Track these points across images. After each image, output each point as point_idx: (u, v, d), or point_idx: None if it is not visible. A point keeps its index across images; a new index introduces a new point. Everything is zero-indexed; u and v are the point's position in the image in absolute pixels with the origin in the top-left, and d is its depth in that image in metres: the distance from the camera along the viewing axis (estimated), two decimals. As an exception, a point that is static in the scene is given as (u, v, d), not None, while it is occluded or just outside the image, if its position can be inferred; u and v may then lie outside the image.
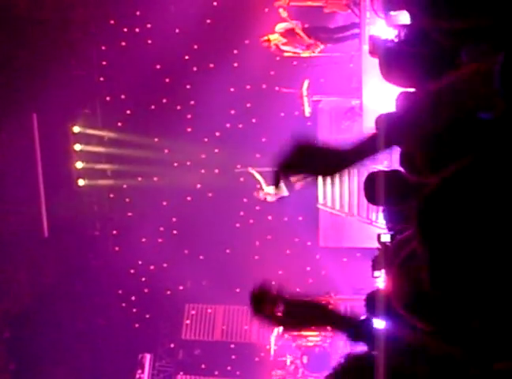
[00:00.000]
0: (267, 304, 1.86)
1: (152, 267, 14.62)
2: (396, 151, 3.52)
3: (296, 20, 11.42)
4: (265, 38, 11.45)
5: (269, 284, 1.90)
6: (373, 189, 3.73)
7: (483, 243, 1.36)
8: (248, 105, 14.19)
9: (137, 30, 14.40)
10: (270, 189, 12.20)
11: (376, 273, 6.82)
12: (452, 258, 1.39)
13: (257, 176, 12.50)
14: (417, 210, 1.46)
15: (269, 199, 12.42)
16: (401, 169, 3.81)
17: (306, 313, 1.90)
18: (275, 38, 11.41)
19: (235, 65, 13.99)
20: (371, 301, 4.06)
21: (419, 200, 1.45)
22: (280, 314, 1.87)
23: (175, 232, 14.69)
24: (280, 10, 11.30)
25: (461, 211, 1.37)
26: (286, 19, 11.24)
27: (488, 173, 1.38)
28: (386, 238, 5.90)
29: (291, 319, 1.87)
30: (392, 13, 6.78)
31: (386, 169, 4.04)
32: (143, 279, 14.76)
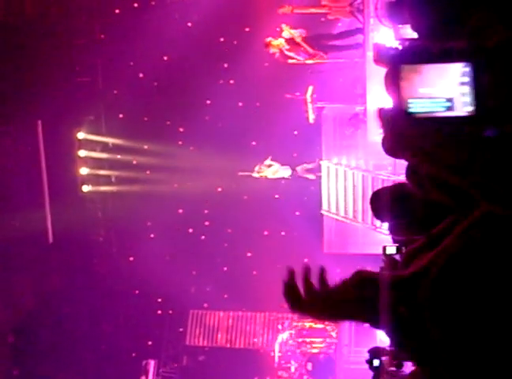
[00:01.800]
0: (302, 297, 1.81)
1: (156, 273, 14.61)
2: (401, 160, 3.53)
3: (300, 29, 11.46)
4: (268, 40, 11.49)
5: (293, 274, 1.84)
6: (378, 205, 3.77)
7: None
8: (252, 111, 14.20)
9: (141, 36, 14.43)
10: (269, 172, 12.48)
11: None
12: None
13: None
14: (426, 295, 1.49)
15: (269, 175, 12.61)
16: (407, 182, 3.85)
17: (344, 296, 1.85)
18: (279, 42, 11.46)
19: (240, 71, 14.01)
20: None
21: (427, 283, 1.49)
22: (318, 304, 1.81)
23: (178, 238, 14.69)
24: (283, 26, 11.36)
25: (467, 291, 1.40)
26: (289, 32, 11.29)
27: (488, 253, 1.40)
28: (392, 250, 5.88)
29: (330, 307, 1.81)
30: (399, 25, 6.79)
31: (390, 185, 4.05)
32: (147, 285, 14.75)
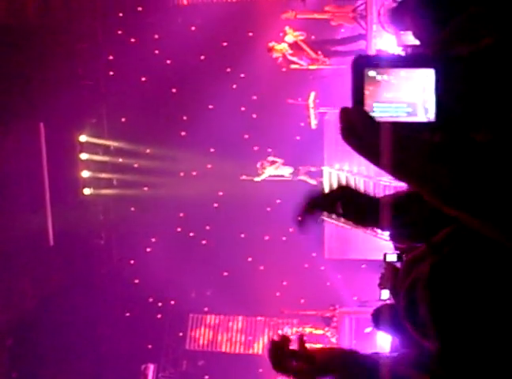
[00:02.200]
0: (287, 358, 1.82)
1: (156, 277, 14.60)
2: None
3: (302, 32, 11.48)
4: (271, 45, 11.52)
5: (285, 339, 1.85)
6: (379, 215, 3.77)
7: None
8: (254, 116, 14.22)
9: (144, 40, 14.46)
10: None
11: (383, 292, 6.77)
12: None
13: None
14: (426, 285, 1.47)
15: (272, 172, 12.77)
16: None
17: (327, 364, 1.87)
18: (282, 47, 11.48)
19: (242, 75, 14.04)
20: (377, 315, 4.10)
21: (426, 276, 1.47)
22: (301, 366, 1.84)
23: (179, 242, 14.69)
24: (286, 28, 11.39)
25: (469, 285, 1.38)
26: (292, 35, 11.31)
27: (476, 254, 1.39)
28: (392, 257, 5.87)
29: (313, 369, 1.83)
30: (401, 32, 6.80)
31: (392, 193, 4.04)
32: (147, 288, 14.74)
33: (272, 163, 12.83)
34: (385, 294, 6.86)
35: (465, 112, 1.25)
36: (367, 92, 1.28)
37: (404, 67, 1.26)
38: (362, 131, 1.24)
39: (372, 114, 1.25)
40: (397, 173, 1.26)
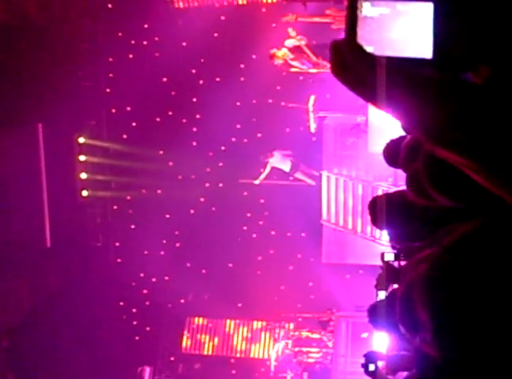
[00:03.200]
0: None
1: (153, 279, 14.58)
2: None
3: (304, 36, 11.46)
4: (272, 52, 11.49)
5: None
6: (376, 213, 3.76)
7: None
8: (254, 120, 14.20)
9: (144, 43, 14.46)
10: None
11: (380, 294, 6.75)
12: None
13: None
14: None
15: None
16: (406, 190, 3.84)
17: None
18: (283, 53, 11.46)
19: (242, 79, 14.03)
20: (374, 311, 4.12)
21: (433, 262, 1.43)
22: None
23: (177, 245, 14.67)
24: (289, 30, 11.37)
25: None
26: (294, 37, 11.30)
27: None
28: (390, 256, 5.86)
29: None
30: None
31: (390, 192, 4.03)
32: (144, 291, 14.72)
33: (272, 156, 12.77)
34: (382, 295, 6.84)
35: (464, 50, 1.20)
36: (360, 26, 1.22)
37: (404, 0, 1.20)
38: (354, 64, 1.18)
39: (366, 49, 1.19)
40: (390, 108, 1.21)
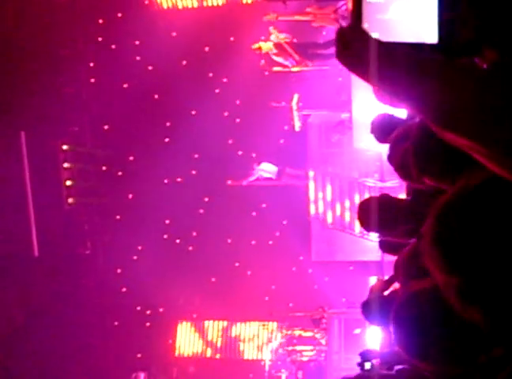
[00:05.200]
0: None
1: (143, 285, 14.50)
2: (387, 164, 3.51)
3: (286, 34, 11.48)
4: (257, 45, 11.50)
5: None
6: (365, 216, 3.80)
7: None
8: (238, 120, 14.18)
9: (125, 47, 14.39)
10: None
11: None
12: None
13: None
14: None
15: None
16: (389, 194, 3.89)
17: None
18: (267, 47, 11.47)
19: (225, 80, 14.00)
20: (367, 306, 4.14)
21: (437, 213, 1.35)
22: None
23: (166, 249, 14.60)
24: (271, 28, 11.37)
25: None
26: (276, 36, 11.30)
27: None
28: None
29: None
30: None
31: (376, 195, 4.06)
32: (135, 297, 14.64)
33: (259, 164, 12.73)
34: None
35: (470, 35, 1.18)
36: (366, 12, 1.20)
37: None
38: (357, 47, 1.17)
39: (371, 34, 1.18)
40: (395, 91, 1.19)
